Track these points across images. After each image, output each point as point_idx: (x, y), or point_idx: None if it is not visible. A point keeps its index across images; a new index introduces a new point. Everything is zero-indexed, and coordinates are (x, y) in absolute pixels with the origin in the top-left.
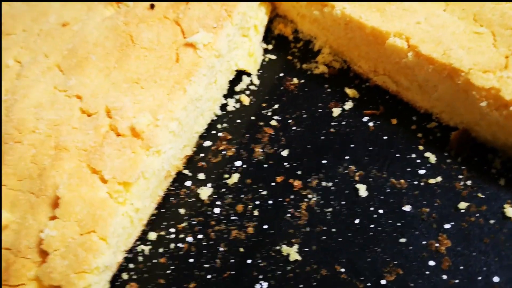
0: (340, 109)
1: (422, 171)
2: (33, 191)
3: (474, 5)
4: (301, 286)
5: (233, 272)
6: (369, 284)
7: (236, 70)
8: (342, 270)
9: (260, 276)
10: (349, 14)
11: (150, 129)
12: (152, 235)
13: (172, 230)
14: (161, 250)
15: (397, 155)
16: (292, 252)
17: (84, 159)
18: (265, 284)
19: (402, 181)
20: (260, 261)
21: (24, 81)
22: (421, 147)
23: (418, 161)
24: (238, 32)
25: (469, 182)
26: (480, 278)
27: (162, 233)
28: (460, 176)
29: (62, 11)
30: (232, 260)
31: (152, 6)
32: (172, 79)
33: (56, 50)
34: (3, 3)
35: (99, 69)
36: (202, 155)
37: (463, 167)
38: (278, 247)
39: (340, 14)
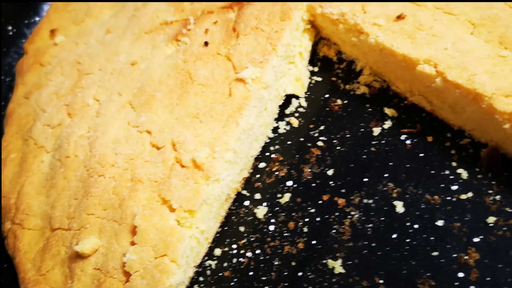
0: (380, 128)
1: (454, 187)
2: (115, 219)
3: (500, 27)
4: None
5: (286, 284)
6: None
7: (285, 95)
8: (381, 281)
9: (310, 287)
10: (382, 42)
11: (209, 161)
12: (218, 251)
13: (234, 246)
14: (225, 264)
15: (432, 171)
16: (337, 266)
17: (155, 189)
18: None
19: (436, 197)
20: (309, 273)
21: (103, 118)
22: (454, 164)
23: (451, 177)
24: (284, 61)
25: (498, 197)
26: None
27: (226, 249)
28: (490, 191)
29: (131, 50)
30: (286, 273)
31: (206, 44)
32: (226, 113)
33: (128, 89)
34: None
35: (164, 105)
36: (257, 176)
37: (493, 182)
38: (324, 261)
39: (374, 42)
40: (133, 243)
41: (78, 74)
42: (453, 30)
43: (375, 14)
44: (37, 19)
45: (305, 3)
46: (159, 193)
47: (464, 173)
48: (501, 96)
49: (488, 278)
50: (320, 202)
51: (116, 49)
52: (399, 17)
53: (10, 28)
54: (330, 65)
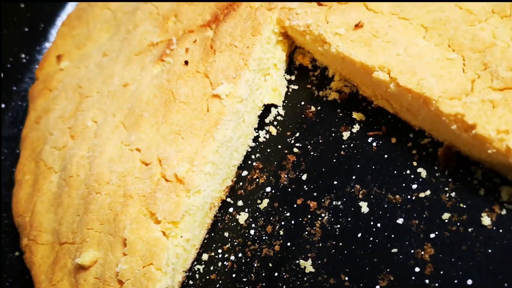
0: (349, 132)
1: (414, 186)
2: (110, 232)
3: (450, 29)
4: None
5: (264, 284)
6: None
7: (264, 105)
8: (346, 278)
9: (284, 286)
10: (341, 51)
11: (188, 175)
12: (205, 256)
13: (220, 251)
14: (211, 268)
15: (394, 172)
16: (308, 265)
17: (143, 204)
18: None
19: (397, 196)
20: (284, 274)
21: (100, 139)
22: (415, 163)
23: (412, 176)
24: (258, 74)
25: (453, 194)
26: (456, 281)
27: (212, 254)
28: (446, 189)
29: (123, 72)
30: (263, 274)
31: (186, 63)
32: (204, 128)
33: (120, 110)
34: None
35: (151, 124)
36: (240, 184)
37: (449, 180)
38: (297, 261)
39: (335, 51)
40: (124, 254)
41: (79, 98)
42: (406, 35)
43: (337, 24)
44: (47, 44)
45: (273, 15)
46: (147, 207)
47: (423, 172)
48: (447, 99)
49: (442, 272)
50: (295, 206)
51: (111, 72)
52: (357, 26)
53: (23, 55)
54: (306, 72)
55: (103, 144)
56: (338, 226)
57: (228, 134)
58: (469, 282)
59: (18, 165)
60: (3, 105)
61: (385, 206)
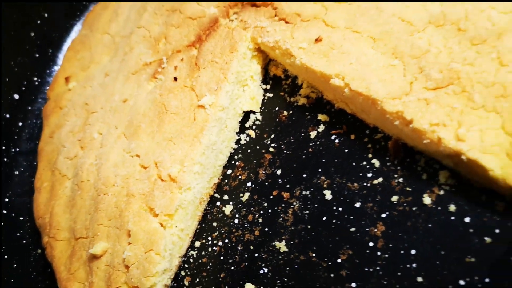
0: (316, 132)
1: (369, 174)
2: (117, 226)
3: (394, 40)
4: (288, 269)
5: (246, 263)
6: (330, 263)
7: (244, 111)
8: (314, 255)
9: (263, 265)
10: (305, 62)
11: (180, 175)
12: (197, 243)
13: (209, 238)
14: (203, 253)
15: (353, 164)
16: (282, 246)
17: (143, 201)
18: (266, 269)
19: (355, 184)
20: (263, 254)
21: (105, 149)
22: (370, 155)
23: (367, 166)
24: (236, 86)
25: (401, 180)
26: (402, 252)
27: (203, 241)
28: (395, 175)
29: (122, 89)
30: (246, 255)
31: (175, 79)
32: (192, 134)
33: (121, 122)
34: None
35: (147, 133)
36: (226, 181)
37: (398, 168)
38: (273, 243)
39: (300, 63)
40: (129, 243)
41: (86, 113)
42: (358, 46)
43: (300, 39)
44: (56, 68)
45: (248, 34)
46: (146, 203)
47: (377, 163)
48: (389, 99)
49: (391, 245)
50: (271, 197)
51: (112, 90)
52: (317, 40)
53: (35, 78)
54: (279, 82)
55: (108, 152)
56: (307, 212)
57: (213, 139)
58: (413, 252)
59: (36, 175)
60: (20, 123)
61: (345, 193)
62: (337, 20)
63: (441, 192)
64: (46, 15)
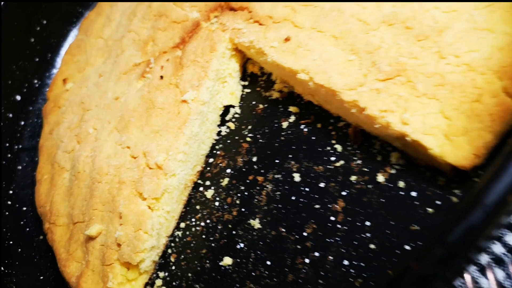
0: (287, 122)
1: (333, 158)
2: (110, 210)
3: (351, 38)
4: (261, 243)
5: (225, 240)
6: (297, 236)
7: (224, 106)
8: (283, 230)
9: (240, 240)
10: (275, 60)
11: (166, 162)
12: (182, 224)
13: (193, 219)
14: (187, 232)
15: (319, 149)
16: (256, 223)
17: (133, 187)
18: (242, 245)
19: (320, 167)
20: (240, 231)
21: (99, 142)
22: (333, 141)
23: (331, 151)
24: (217, 82)
25: (359, 162)
26: (359, 224)
27: (188, 222)
28: (355, 158)
29: (114, 88)
30: (225, 233)
31: (161, 77)
32: (176, 126)
33: (113, 118)
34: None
35: (136, 127)
36: (208, 168)
37: (357, 151)
38: (249, 221)
39: (271, 60)
40: (121, 224)
41: (82, 111)
42: (321, 44)
43: (272, 39)
44: (54, 71)
45: (226, 35)
46: (136, 189)
47: (339, 147)
48: (347, 90)
49: (349, 218)
50: (247, 181)
51: (106, 89)
52: (286, 39)
53: (36, 81)
54: (256, 78)
55: (102, 145)
56: (278, 193)
57: (195, 130)
58: (367, 223)
59: (37, 168)
60: (22, 123)
61: (312, 175)
62: (304, 21)
63: (393, 171)
64: (44, 22)
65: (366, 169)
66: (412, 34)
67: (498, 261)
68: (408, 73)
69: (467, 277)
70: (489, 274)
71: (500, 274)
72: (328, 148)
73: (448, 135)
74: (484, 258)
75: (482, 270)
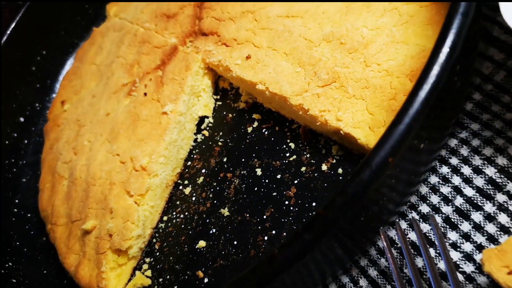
0: (251, 127)
1: (287, 154)
2: (103, 207)
3: (298, 53)
4: (229, 227)
5: (200, 227)
6: (258, 219)
7: (199, 116)
8: (247, 215)
9: (212, 227)
10: (239, 75)
11: (149, 165)
12: (165, 218)
13: (174, 213)
14: (169, 224)
15: (276, 147)
16: (225, 212)
17: (122, 186)
18: (214, 230)
19: (277, 162)
20: (213, 219)
21: (93, 152)
22: (288, 140)
23: (286, 148)
24: (192, 96)
25: (308, 155)
26: (307, 205)
27: (169, 215)
28: (305, 153)
29: (106, 106)
30: (200, 222)
31: (145, 94)
32: (158, 134)
33: (105, 131)
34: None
35: (125, 137)
36: (186, 170)
37: (306, 147)
38: (220, 210)
39: (235, 75)
40: (111, 218)
41: (78, 127)
42: (275, 60)
43: (236, 58)
44: (53, 95)
45: (199, 56)
46: (124, 188)
47: (292, 145)
48: (294, 96)
49: (300, 201)
50: (219, 178)
51: (98, 107)
52: (247, 57)
53: (37, 105)
54: (226, 92)
55: (95, 154)
56: (244, 185)
57: (174, 137)
58: (314, 204)
59: (40, 179)
60: (25, 141)
61: (271, 169)
62: (262, 42)
63: (334, 161)
64: (44, 52)
65: (313, 161)
66: (345, 48)
67: (424, 218)
68: (341, 79)
69: (399, 229)
70: (416, 228)
71: (426, 228)
72: (284, 146)
73: (372, 127)
74: (412, 215)
75: (411, 225)
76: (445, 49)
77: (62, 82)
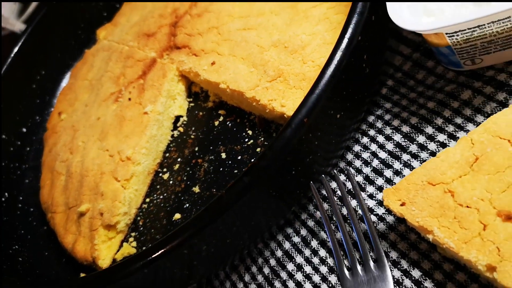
0: (218, 121)
1: (246, 140)
2: (95, 193)
3: (252, 57)
4: (200, 201)
5: (176, 204)
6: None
7: (175, 116)
8: (214, 190)
9: (186, 202)
10: (206, 78)
11: (133, 155)
12: (147, 199)
13: (155, 195)
14: (151, 204)
15: (238, 135)
16: (196, 189)
17: (111, 174)
18: (187, 204)
19: (238, 146)
20: (186, 196)
21: (86, 150)
22: (247, 129)
23: (245, 135)
24: (168, 99)
25: (262, 139)
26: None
27: (151, 197)
28: (260, 137)
29: (96, 112)
30: (176, 200)
31: (130, 99)
32: (140, 130)
33: (96, 132)
34: None
35: (112, 135)
36: (165, 160)
37: (262, 133)
38: (192, 188)
39: (203, 79)
40: (102, 199)
41: (73, 132)
42: (234, 64)
43: (203, 64)
44: (52, 109)
45: (174, 66)
46: (113, 175)
47: (250, 132)
48: (249, 90)
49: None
50: (192, 164)
51: (90, 114)
52: (212, 63)
53: (37, 117)
54: (198, 95)
55: (88, 152)
56: (212, 167)
57: (153, 132)
58: None
59: (41, 178)
60: (28, 149)
61: (233, 152)
62: (224, 51)
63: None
64: (43, 72)
65: (266, 143)
66: (288, 50)
67: (349, 178)
68: (284, 75)
69: (325, 184)
70: (338, 181)
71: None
72: (244, 133)
73: None
74: (341, 177)
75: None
76: (345, 40)
77: (59, 97)
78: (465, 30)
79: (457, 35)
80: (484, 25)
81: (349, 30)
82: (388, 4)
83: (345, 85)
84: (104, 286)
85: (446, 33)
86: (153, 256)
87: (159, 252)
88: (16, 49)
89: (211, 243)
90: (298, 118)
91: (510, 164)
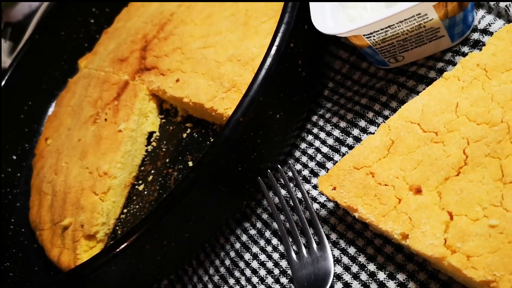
0: (186, 133)
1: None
2: (76, 207)
3: (211, 72)
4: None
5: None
6: None
7: (148, 132)
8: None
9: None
10: (171, 94)
11: (109, 170)
12: (125, 210)
13: (132, 205)
14: (128, 214)
15: (203, 144)
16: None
17: (90, 189)
18: None
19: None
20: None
21: (69, 170)
22: (211, 138)
23: (209, 144)
24: (141, 117)
25: None
26: None
27: (128, 208)
28: None
29: (78, 134)
30: (150, 208)
31: (106, 120)
32: (115, 147)
33: (77, 153)
34: None
35: (91, 154)
36: (140, 174)
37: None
38: (164, 196)
39: (169, 95)
40: (83, 212)
41: (58, 154)
42: (196, 80)
43: (169, 82)
44: (39, 136)
45: (144, 86)
46: (92, 190)
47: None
48: (208, 101)
49: None
50: (163, 174)
51: (72, 136)
52: (177, 81)
53: (26, 145)
54: (168, 111)
55: (70, 171)
56: (180, 175)
57: (128, 148)
58: None
59: (30, 200)
60: (18, 174)
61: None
62: (187, 68)
63: None
64: (30, 103)
65: None
66: (241, 63)
67: (299, 172)
68: (238, 85)
69: (272, 179)
70: (282, 175)
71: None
72: (208, 142)
73: None
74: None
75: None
76: (273, 48)
77: (45, 124)
78: (378, 30)
79: (373, 36)
80: (394, 25)
81: (277, 39)
82: (311, 13)
83: (280, 87)
84: (74, 283)
85: (364, 35)
86: (116, 251)
87: (121, 247)
88: (3, 83)
89: (170, 238)
90: (235, 118)
91: (419, 144)
